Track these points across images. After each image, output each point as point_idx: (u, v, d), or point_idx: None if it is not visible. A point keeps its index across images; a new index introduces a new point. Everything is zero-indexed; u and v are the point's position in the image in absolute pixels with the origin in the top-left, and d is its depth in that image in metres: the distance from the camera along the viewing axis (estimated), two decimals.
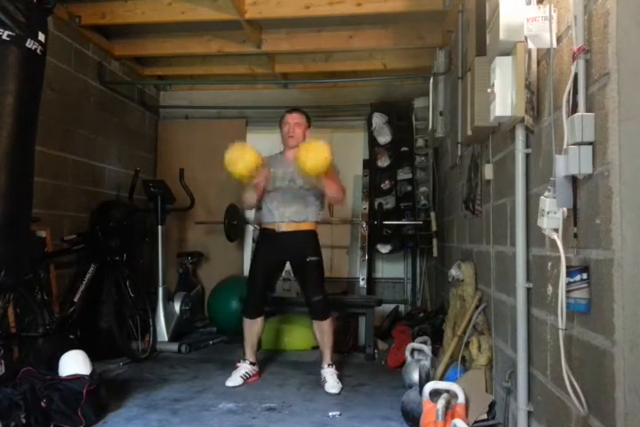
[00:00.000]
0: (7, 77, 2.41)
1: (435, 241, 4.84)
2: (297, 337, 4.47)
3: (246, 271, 5.42)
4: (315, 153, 3.20)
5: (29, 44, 2.46)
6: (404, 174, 5.46)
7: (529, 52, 1.93)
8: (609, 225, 1.35)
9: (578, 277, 1.50)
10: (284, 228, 3.54)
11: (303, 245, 3.57)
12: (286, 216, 3.53)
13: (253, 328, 3.63)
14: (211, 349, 4.55)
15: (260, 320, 3.64)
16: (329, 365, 3.53)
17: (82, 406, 2.64)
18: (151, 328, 4.31)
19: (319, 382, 3.47)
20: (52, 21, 3.82)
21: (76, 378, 2.71)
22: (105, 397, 2.87)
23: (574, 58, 1.50)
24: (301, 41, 4.66)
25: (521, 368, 2.06)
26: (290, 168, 3.48)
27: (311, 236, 3.60)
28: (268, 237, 3.62)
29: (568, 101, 1.52)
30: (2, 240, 2.46)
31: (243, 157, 3.24)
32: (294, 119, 3.64)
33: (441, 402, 2.31)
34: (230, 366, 3.67)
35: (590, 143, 1.44)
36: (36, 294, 3.44)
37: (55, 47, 3.86)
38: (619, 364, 1.30)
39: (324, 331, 3.56)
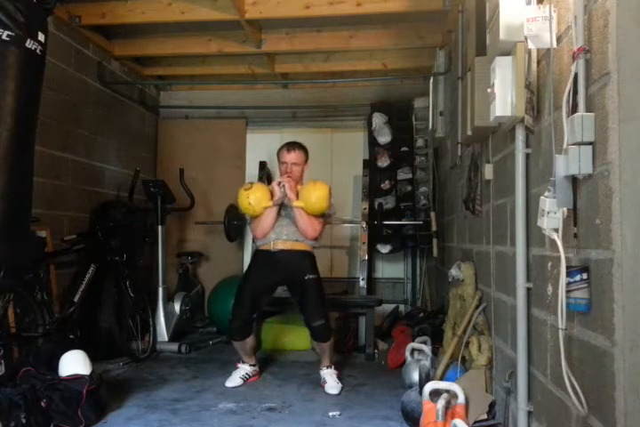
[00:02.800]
0: (7, 77, 2.41)
1: (435, 241, 4.83)
2: (297, 337, 4.46)
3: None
4: (318, 199, 3.40)
5: (29, 44, 2.46)
6: (403, 174, 5.46)
7: (529, 52, 1.93)
8: (609, 225, 1.35)
9: (578, 277, 1.50)
10: (280, 246, 3.45)
11: (300, 264, 3.48)
12: (284, 233, 3.46)
13: (244, 346, 3.55)
14: (211, 349, 4.55)
15: (249, 339, 3.53)
16: (327, 366, 3.53)
17: (82, 406, 2.64)
18: (151, 328, 4.31)
19: (319, 383, 3.47)
20: (52, 21, 3.82)
21: (75, 378, 2.71)
22: (105, 397, 2.87)
23: (574, 58, 1.50)
24: (301, 41, 4.66)
25: (521, 368, 2.06)
26: (285, 210, 3.50)
27: (308, 256, 3.52)
28: (261, 258, 3.53)
29: (568, 101, 1.52)
30: (2, 240, 2.46)
31: (254, 197, 3.41)
32: (292, 160, 3.50)
33: (441, 402, 2.31)
34: (230, 366, 3.67)
35: (590, 143, 1.44)
36: (36, 294, 3.45)
37: (55, 47, 3.85)
38: (619, 364, 1.30)
39: (324, 349, 3.52)
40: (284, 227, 3.49)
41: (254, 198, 3.42)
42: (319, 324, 3.41)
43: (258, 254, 3.60)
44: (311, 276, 3.45)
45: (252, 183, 3.56)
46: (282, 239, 3.48)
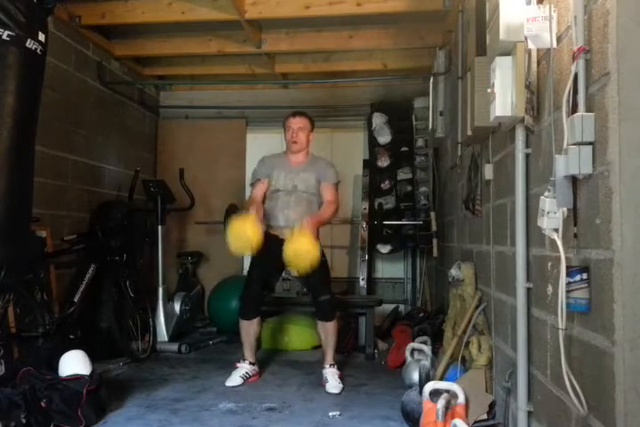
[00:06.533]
0: (7, 77, 2.41)
1: (435, 241, 4.83)
2: (297, 337, 4.47)
3: (246, 271, 5.42)
4: (303, 257, 3.21)
5: (29, 44, 2.46)
6: (403, 174, 5.46)
7: (529, 52, 1.93)
8: (609, 225, 1.35)
9: (578, 278, 1.50)
10: (288, 236, 3.43)
11: None
12: (292, 219, 3.46)
13: (250, 329, 3.61)
14: (211, 349, 4.55)
15: (256, 321, 3.62)
16: (330, 365, 3.53)
17: (82, 406, 2.64)
18: (151, 328, 4.31)
19: (319, 383, 3.47)
20: (52, 21, 3.82)
21: (76, 378, 2.71)
22: (105, 397, 2.87)
23: (574, 58, 1.50)
24: (301, 41, 4.66)
25: (521, 368, 2.06)
26: (292, 173, 3.56)
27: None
28: (271, 242, 3.51)
29: (568, 101, 1.52)
30: (2, 240, 2.46)
31: (244, 234, 3.23)
32: (297, 124, 3.63)
33: (441, 402, 2.31)
34: (230, 366, 3.67)
35: (590, 143, 1.44)
36: (36, 294, 3.44)
37: (55, 47, 3.85)
38: (619, 364, 1.30)
39: (328, 332, 3.55)
40: (291, 209, 3.50)
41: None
42: (325, 299, 3.54)
43: (267, 237, 3.53)
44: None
45: (244, 222, 3.30)
46: (290, 226, 3.41)
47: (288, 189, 3.55)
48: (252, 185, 3.73)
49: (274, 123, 5.83)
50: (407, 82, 5.56)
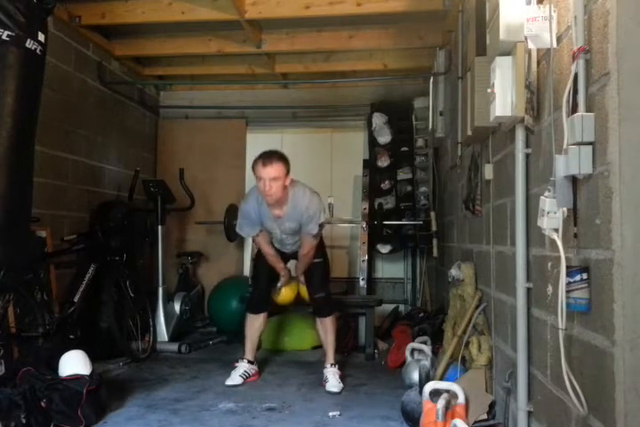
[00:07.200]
0: (7, 77, 2.41)
1: (435, 241, 4.83)
2: (297, 337, 4.47)
3: (246, 271, 5.44)
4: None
5: (29, 44, 2.46)
6: (403, 174, 5.46)
7: (529, 52, 1.93)
8: (609, 225, 1.35)
9: (578, 278, 1.50)
10: (288, 253, 3.71)
11: None
12: (290, 250, 3.67)
13: (255, 324, 3.65)
14: (211, 349, 4.55)
15: (262, 316, 3.67)
16: (332, 364, 3.54)
17: (82, 406, 2.64)
18: (151, 328, 4.31)
19: (319, 382, 3.47)
20: (52, 21, 3.82)
21: (76, 378, 2.71)
22: (105, 397, 2.87)
23: (574, 58, 1.50)
24: (301, 41, 4.66)
25: (521, 368, 2.06)
26: (277, 222, 3.45)
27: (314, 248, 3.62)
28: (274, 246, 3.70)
29: (568, 101, 1.52)
30: (2, 240, 2.46)
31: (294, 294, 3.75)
32: (269, 174, 3.16)
33: (441, 402, 2.31)
34: (230, 366, 3.67)
35: (590, 143, 1.44)
36: (36, 294, 3.45)
37: (55, 47, 3.85)
38: (619, 364, 1.30)
39: (327, 328, 3.59)
40: (288, 248, 3.65)
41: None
42: (320, 296, 3.60)
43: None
44: (316, 260, 3.63)
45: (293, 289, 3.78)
46: (288, 252, 3.71)
47: (278, 237, 3.58)
48: (251, 236, 3.74)
49: (274, 123, 5.86)
50: (407, 82, 5.56)
